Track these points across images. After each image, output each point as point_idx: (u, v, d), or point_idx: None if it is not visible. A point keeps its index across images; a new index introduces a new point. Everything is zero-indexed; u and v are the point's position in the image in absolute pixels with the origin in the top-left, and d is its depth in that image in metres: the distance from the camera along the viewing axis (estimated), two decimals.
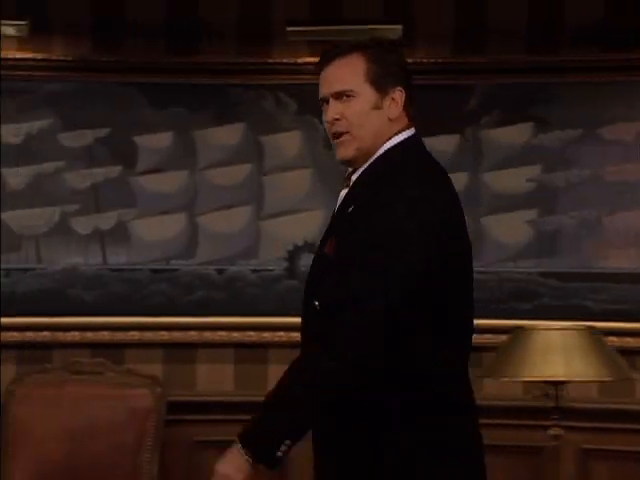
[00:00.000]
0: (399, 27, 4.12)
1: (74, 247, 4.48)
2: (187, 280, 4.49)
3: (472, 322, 2.40)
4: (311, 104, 4.42)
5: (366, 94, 2.33)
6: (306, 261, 4.43)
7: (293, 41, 4.38)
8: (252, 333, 4.48)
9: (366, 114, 2.32)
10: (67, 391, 3.79)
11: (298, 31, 4.24)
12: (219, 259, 4.51)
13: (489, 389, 4.28)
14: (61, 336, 4.44)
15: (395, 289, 2.21)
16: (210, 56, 4.44)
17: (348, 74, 2.33)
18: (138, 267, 4.49)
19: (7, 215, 4.44)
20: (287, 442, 2.20)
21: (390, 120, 2.35)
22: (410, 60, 4.28)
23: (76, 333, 4.43)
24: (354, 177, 2.36)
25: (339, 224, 2.34)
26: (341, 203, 2.38)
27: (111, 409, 3.72)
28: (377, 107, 2.34)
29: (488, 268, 4.37)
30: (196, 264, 4.51)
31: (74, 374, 3.83)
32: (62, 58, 4.38)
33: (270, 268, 4.50)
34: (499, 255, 4.43)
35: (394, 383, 2.27)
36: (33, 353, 4.40)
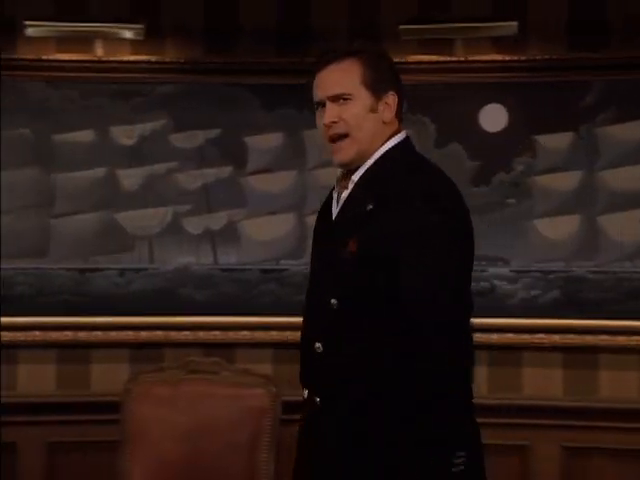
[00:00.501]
0: (514, 24, 4.05)
1: (186, 247, 4.53)
2: (296, 280, 4.49)
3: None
4: (421, 103, 4.43)
5: (362, 97, 2.36)
6: None
7: (404, 40, 4.35)
8: None
9: (363, 117, 2.36)
10: (182, 390, 3.82)
11: (409, 30, 4.21)
12: None
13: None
14: (174, 335, 4.49)
15: (456, 285, 2.29)
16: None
17: (345, 78, 2.37)
18: (248, 267, 4.52)
19: (121, 216, 4.51)
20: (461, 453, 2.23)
21: (384, 123, 2.39)
22: (523, 57, 4.32)
23: (188, 332, 4.48)
24: (354, 178, 2.38)
25: (357, 223, 2.32)
26: (347, 203, 2.38)
27: (227, 408, 3.73)
28: (373, 110, 2.37)
29: (604, 268, 4.29)
30: (305, 264, 4.50)
31: (189, 373, 3.86)
32: (175, 60, 4.43)
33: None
34: (616, 254, 4.33)
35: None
36: (146, 352, 4.47)
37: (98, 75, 4.43)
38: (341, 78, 2.36)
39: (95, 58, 4.41)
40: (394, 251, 2.26)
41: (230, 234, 4.53)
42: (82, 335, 4.42)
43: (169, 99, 4.49)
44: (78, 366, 4.44)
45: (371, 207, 2.31)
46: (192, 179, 4.53)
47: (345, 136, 2.36)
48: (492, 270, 4.40)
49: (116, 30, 4.20)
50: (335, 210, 2.45)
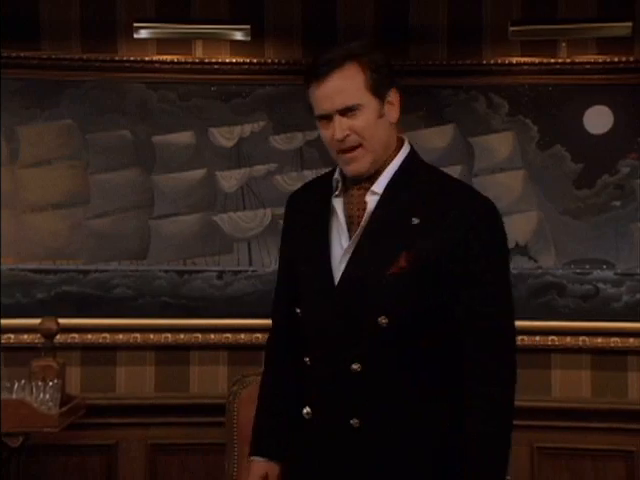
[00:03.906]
0: (628, 25, 3.98)
1: None
2: None
3: None
4: (523, 105, 4.39)
5: (370, 105, 2.24)
6: (516, 264, 4.35)
7: (507, 41, 4.30)
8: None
9: (374, 125, 2.24)
10: None
11: (518, 31, 4.16)
12: None
13: None
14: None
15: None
16: (421, 58, 4.41)
17: (351, 88, 2.23)
18: None
19: (220, 217, 4.51)
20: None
21: (391, 124, 2.28)
22: (631, 58, 4.25)
23: None
24: (378, 187, 2.26)
25: (404, 237, 2.21)
26: (380, 215, 2.25)
27: None
28: (381, 115, 2.26)
29: None
30: None
31: None
32: (275, 61, 4.42)
33: None
34: None
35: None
36: (245, 355, 4.46)
37: (198, 77, 4.43)
38: (347, 88, 2.22)
39: (195, 60, 4.41)
40: (454, 266, 2.20)
41: None
42: (181, 337, 4.43)
43: (269, 100, 4.48)
44: (177, 368, 4.44)
45: (417, 221, 2.21)
46: (291, 181, 4.51)
47: (358, 146, 2.25)
48: (596, 273, 4.35)
49: (222, 31, 4.19)
50: (342, 217, 2.30)
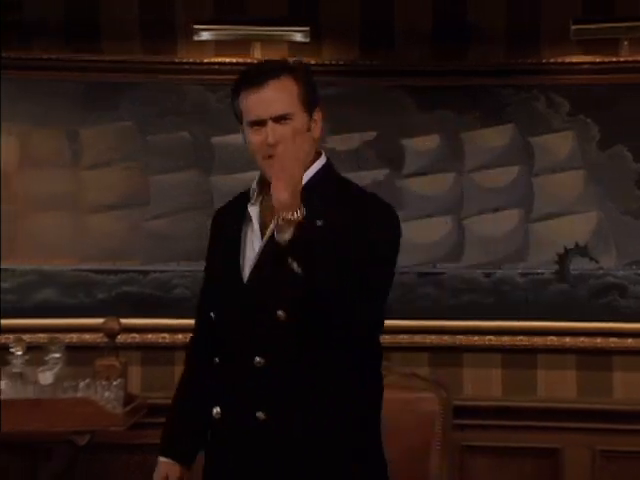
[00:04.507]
0: None
1: None
2: (454, 283, 4.45)
3: None
4: (584, 104, 4.34)
5: (300, 116, 2.36)
6: (578, 265, 4.32)
7: (565, 40, 4.27)
8: (522, 337, 4.39)
9: (302, 136, 2.32)
10: None
11: (580, 30, 4.12)
12: (486, 262, 4.45)
13: None
14: None
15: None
16: (480, 58, 4.39)
17: (286, 97, 2.35)
18: (405, 270, 4.49)
19: None
20: None
21: (314, 141, 2.41)
22: None
23: None
24: None
25: (307, 237, 2.24)
26: None
27: (396, 412, 3.69)
28: (308, 128, 2.38)
29: None
30: (463, 267, 4.46)
31: None
32: (332, 63, 4.43)
33: (539, 271, 4.40)
34: None
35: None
36: None
37: None
38: (283, 97, 2.34)
39: (254, 61, 4.43)
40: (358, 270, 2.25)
41: None
42: None
43: (326, 101, 4.45)
44: None
45: (320, 223, 2.27)
46: None
47: None
48: None
49: (281, 33, 4.21)
50: (256, 224, 2.39)
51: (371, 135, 4.49)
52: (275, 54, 4.44)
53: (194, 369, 2.54)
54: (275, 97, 2.33)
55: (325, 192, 2.36)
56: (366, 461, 2.41)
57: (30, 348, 3.85)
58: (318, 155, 2.46)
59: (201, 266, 2.46)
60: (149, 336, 4.42)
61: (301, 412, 2.30)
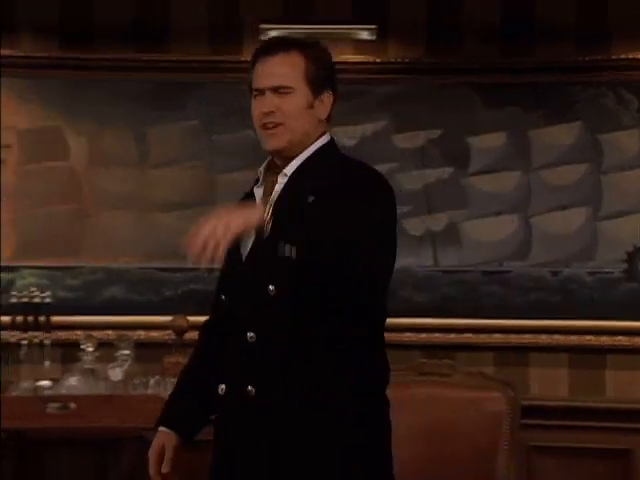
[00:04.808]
0: None
1: (406, 249, 4.49)
2: (520, 282, 4.42)
3: None
4: None
5: (303, 92, 2.38)
6: None
7: (635, 36, 4.21)
8: (590, 337, 4.35)
9: (300, 111, 2.37)
10: (414, 392, 3.78)
11: None
12: (553, 261, 4.41)
13: None
14: (394, 337, 4.46)
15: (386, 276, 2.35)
16: (549, 55, 4.35)
17: (289, 70, 2.37)
18: (469, 269, 4.46)
19: None
20: None
21: (318, 121, 2.39)
22: None
23: (410, 334, 4.46)
24: (287, 171, 2.37)
25: (298, 214, 2.30)
26: (284, 196, 2.34)
27: (463, 412, 3.66)
28: (310, 107, 2.38)
29: None
30: (529, 266, 4.43)
31: (420, 375, 3.82)
32: (398, 61, 4.42)
33: (608, 270, 4.35)
34: None
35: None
36: None
37: None
38: (286, 70, 2.36)
39: None
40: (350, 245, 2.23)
41: (451, 235, 4.48)
42: None
43: (391, 99, 4.48)
44: None
45: (312, 199, 2.30)
46: (413, 180, 4.50)
47: (280, 124, 2.36)
48: None
49: (348, 31, 4.21)
50: (259, 203, 2.40)
51: (436, 133, 4.48)
52: (339, 52, 4.44)
53: (200, 348, 2.58)
54: (278, 69, 2.37)
55: (321, 170, 2.37)
56: (363, 445, 2.35)
57: (99, 345, 3.91)
58: (322, 135, 2.46)
59: None
60: None
61: (291, 388, 2.30)
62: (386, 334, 4.66)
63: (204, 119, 4.50)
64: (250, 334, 2.32)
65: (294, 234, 2.24)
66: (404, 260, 4.48)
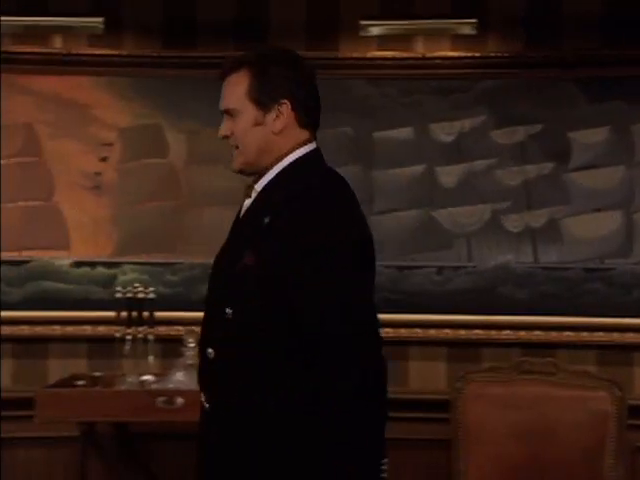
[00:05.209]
0: None
1: (505, 245, 4.45)
2: (624, 280, 4.33)
3: None
4: None
5: (248, 112, 2.34)
6: None
7: None
8: None
9: (247, 131, 2.34)
10: (518, 390, 3.75)
11: None
12: None
13: None
14: (494, 334, 4.43)
15: (360, 304, 2.24)
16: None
17: (233, 93, 2.36)
18: (570, 266, 4.39)
19: (439, 213, 4.49)
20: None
21: (275, 134, 2.32)
22: None
23: (509, 332, 4.41)
24: (257, 187, 2.34)
25: (255, 235, 2.26)
26: (248, 213, 2.33)
27: (569, 411, 3.63)
28: (258, 124, 2.34)
29: None
30: (633, 263, 4.34)
31: (522, 373, 3.78)
32: (498, 55, 4.37)
33: None
34: None
35: None
36: (464, 351, 4.43)
37: (419, 72, 4.43)
38: (231, 93, 2.35)
39: (418, 55, 4.42)
40: (291, 269, 2.20)
41: (552, 232, 4.42)
42: (402, 332, 4.44)
43: (490, 95, 4.43)
44: (395, 363, 4.45)
45: (268, 220, 2.26)
46: (512, 176, 4.44)
47: (236, 147, 2.36)
48: None
49: (447, 26, 4.18)
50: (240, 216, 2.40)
51: (536, 128, 4.41)
52: (438, 48, 4.42)
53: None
54: (225, 91, 2.38)
55: (285, 188, 2.31)
56: (317, 461, 2.21)
57: None
58: (299, 147, 2.38)
59: None
60: None
61: (239, 409, 2.30)
62: (485, 332, 4.63)
63: None
64: (210, 350, 2.35)
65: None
66: (503, 257, 4.45)
